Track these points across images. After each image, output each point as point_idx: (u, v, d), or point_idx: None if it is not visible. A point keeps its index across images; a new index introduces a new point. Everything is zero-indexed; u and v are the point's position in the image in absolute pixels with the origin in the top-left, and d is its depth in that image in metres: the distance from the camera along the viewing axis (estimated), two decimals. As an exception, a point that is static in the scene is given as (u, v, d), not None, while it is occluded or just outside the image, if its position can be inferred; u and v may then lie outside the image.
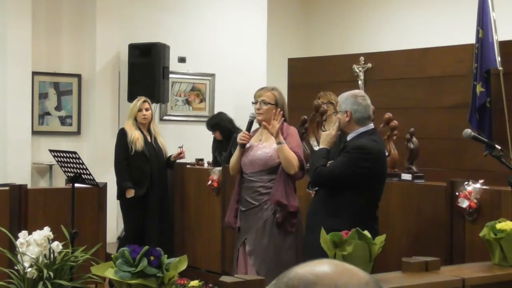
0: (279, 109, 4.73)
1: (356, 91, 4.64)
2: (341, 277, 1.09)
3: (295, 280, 1.09)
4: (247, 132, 4.86)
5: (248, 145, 4.84)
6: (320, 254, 3.90)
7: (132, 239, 6.18)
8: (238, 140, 4.85)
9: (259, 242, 4.75)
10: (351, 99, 4.39)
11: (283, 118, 4.76)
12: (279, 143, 4.66)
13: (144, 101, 6.59)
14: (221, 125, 7.32)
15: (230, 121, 7.39)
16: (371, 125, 4.42)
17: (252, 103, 4.92)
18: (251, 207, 4.79)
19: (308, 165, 4.80)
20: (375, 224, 4.37)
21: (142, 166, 6.49)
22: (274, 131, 4.65)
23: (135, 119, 6.56)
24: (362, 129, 4.36)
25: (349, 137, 4.41)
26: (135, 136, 6.48)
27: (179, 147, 6.72)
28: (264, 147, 4.83)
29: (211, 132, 7.49)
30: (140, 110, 6.55)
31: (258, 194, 4.77)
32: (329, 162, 4.35)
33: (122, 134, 6.56)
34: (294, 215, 4.72)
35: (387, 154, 5.21)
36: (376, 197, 4.43)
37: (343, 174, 4.26)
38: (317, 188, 4.55)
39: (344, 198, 4.30)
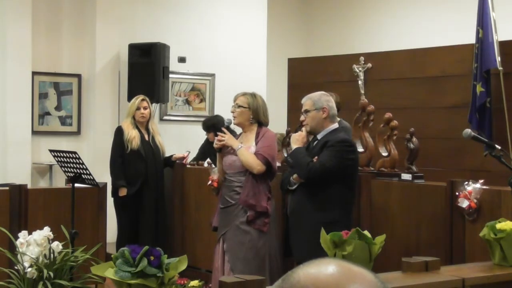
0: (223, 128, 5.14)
1: (323, 92, 4.88)
2: (348, 280, 1.06)
3: (300, 284, 1.06)
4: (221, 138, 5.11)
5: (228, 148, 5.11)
6: (308, 249, 4.08)
7: (125, 239, 6.18)
8: (214, 145, 5.13)
9: (234, 240, 4.99)
10: (325, 97, 4.70)
11: (251, 122, 5.08)
12: (236, 149, 4.99)
13: (143, 100, 6.56)
14: (217, 127, 7.28)
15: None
16: (337, 123, 4.70)
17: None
18: (228, 205, 5.07)
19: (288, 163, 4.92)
20: (353, 212, 4.73)
21: (137, 165, 6.45)
22: (228, 143, 5.01)
23: (133, 118, 6.54)
24: (333, 126, 4.63)
25: (320, 136, 4.62)
26: (132, 134, 6.45)
27: (187, 151, 6.78)
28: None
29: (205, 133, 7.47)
30: (138, 108, 6.53)
31: (236, 193, 5.04)
32: (314, 158, 4.52)
33: (118, 132, 6.54)
34: (266, 215, 4.95)
35: (387, 154, 5.41)
36: (355, 187, 4.75)
37: (334, 167, 4.45)
38: (295, 186, 4.65)
39: (332, 190, 4.50)
